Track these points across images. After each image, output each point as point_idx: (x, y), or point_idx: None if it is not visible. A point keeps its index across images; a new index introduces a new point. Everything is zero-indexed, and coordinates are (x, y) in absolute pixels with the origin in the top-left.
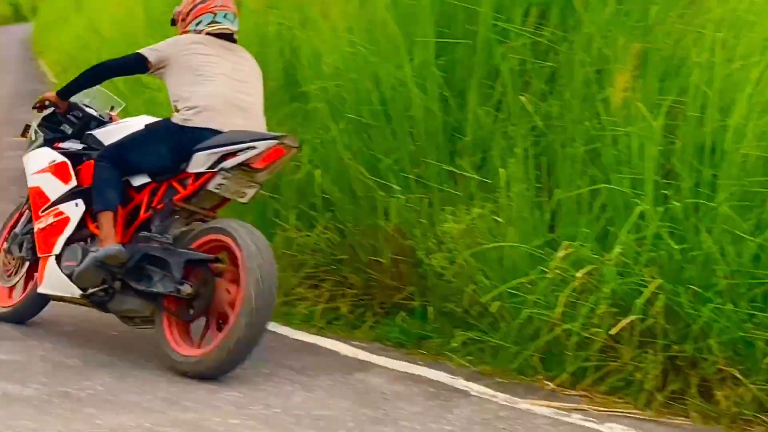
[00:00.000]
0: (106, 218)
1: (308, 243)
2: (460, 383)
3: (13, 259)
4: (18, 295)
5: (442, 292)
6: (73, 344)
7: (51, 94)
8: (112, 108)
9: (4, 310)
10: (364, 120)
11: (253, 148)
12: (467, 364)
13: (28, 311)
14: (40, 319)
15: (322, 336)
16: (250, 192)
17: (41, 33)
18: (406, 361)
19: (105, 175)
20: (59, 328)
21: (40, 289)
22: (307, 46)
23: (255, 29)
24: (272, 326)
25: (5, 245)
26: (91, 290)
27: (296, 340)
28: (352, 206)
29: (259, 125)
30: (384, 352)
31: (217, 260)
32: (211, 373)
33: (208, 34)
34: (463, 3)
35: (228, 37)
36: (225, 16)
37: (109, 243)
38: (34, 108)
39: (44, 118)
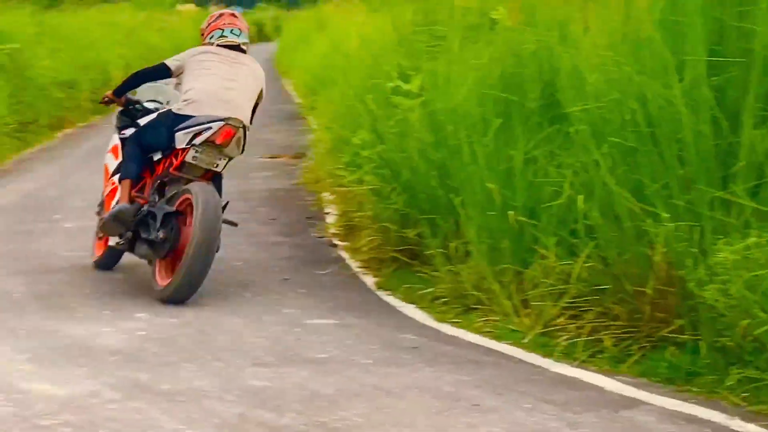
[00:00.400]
0: (124, 185)
1: (569, 271)
2: (736, 424)
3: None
4: None
5: (714, 326)
6: (327, 372)
7: (109, 93)
8: (168, 102)
9: (96, 258)
10: (629, 143)
11: (210, 128)
12: (743, 404)
13: (109, 260)
14: (294, 347)
15: (584, 369)
16: (222, 163)
17: (284, 53)
18: (676, 398)
19: (128, 152)
20: (313, 355)
21: (110, 242)
22: (567, 65)
23: (510, 48)
24: (531, 358)
25: (98, 209)
26: (120, 240)
27: (557, 373)
28: (616, 234)
29: (238, 115)
30: (652, 389)
31: (179, 213)
32: (173, 297)
33: (218, 45)
34: (737, 22)
35: (237, 47)
36: (231, 31)
37: (122, 203)
38: (100, 103)
39: (121, 111)
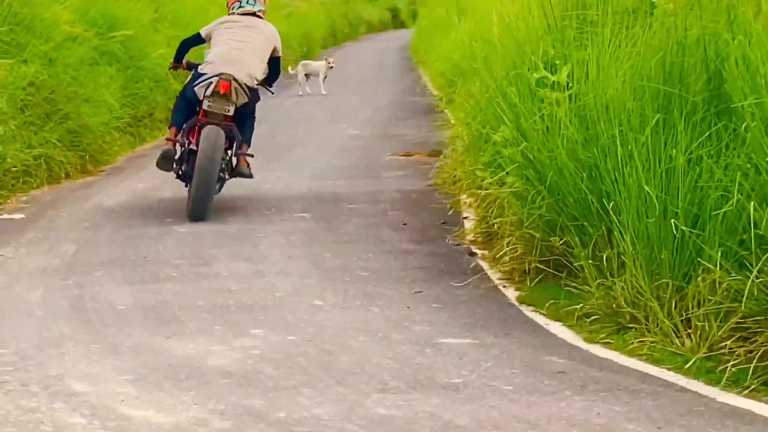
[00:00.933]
0: (171, 131)
1: (738, 288)
2: None
3: None
4: None
5: None
6: (463, 399)
7: (171, 61)
8: None
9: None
10: None
11: (211, 82)
12: None
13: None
14: (425, 370)
15: (755, 400)
16: (231, 108)
17: (420, 40)
18: None
19: (176, 105)
20: (447, 380)
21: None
22: (736, 53)
23: (670, 35)
24: (694, 386)
25: None
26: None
27: (724, 404)
28: None
29: (243, 73)
30: None
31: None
32: (189, 216)
33: (238, 14)
34: None
35: (253, 14)
36: (247, 2)
37: (166, 146)
38: (169, 69)
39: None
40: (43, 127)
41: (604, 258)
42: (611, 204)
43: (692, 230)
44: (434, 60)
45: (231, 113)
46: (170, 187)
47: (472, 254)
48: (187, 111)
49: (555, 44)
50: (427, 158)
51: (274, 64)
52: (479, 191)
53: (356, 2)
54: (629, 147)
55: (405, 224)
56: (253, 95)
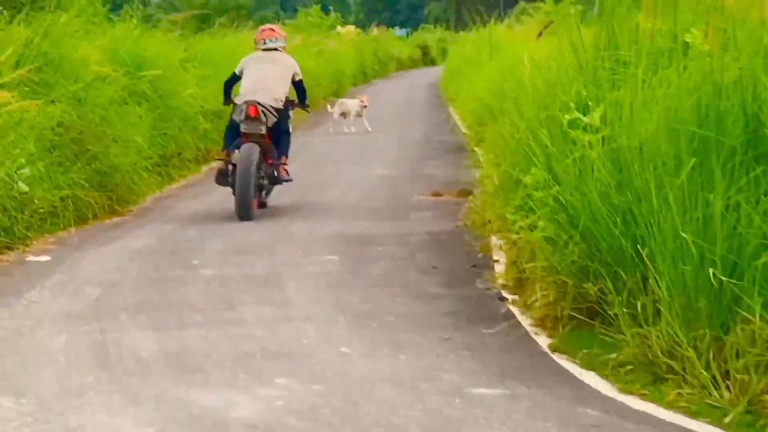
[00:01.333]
0: (224, 152)
1: None
2: None
3: None
4: None
5: None
6: None
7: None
8: None
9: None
10: None
11: (242, 109)
12: None
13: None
14: (455, 422)
15: None
16: (263, 127)
17: (450, 78)
18: None
19: (225, 132)
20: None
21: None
22: None
23: (706, 77)
24: None
25: None
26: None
27: None
28: None
29: (268, 97)
30: None
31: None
32: (237, 214)
33: (261, 50)
34: None
35: (275, 50)
36: (269, 41)
37: (220, 165)
38: (223, 105)
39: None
40: (71, 167)
41: (639, 305)
42: (646, 250)
43: (730, 279)
44: (464, 98)
45: (264, 132)
46: (197, 227)
47: (503, 299)
48: (233, 136)
49: (587, 85)
50: (457, 198)
51: (299, 85)
52: (510, 235)
53: (386, 39)
54: (664, 191)
55: (434, 267)
56: (282, 115)
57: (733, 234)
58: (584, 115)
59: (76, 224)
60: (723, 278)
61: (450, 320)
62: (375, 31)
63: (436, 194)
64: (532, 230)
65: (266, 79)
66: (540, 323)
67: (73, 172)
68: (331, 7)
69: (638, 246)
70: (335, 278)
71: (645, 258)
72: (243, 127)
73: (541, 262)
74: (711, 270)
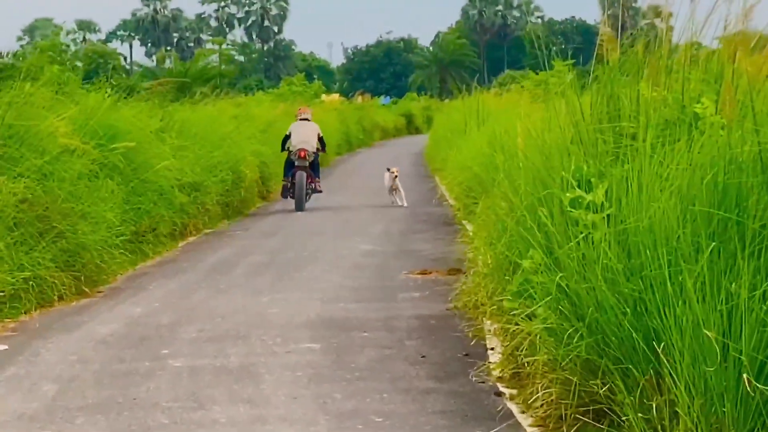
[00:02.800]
0: (286, 179)
1: None
2: None
3: None
4: None
5: None
6: None
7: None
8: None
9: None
10: None
11: (296, 153)
12: None
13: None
14: None
15: None
16: (307, 163)
17: (436, 147)
18: None
19: (285, 166)
20: None
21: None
22: None
23: (722, 151)
24: None
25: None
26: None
27: None
28: None
29: (308, 145)
30: None
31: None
32: (296, 209)
33: (299, 120)
34: None
35: (306, 119)
36: (303, 116)
37: (284, 184)
38: (282, 152)
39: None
40: (36, 246)
41: (654, 407)
42: (661, 345)
43: (759, 383)
44: (451, 168)
45: (307, 165)
46: (169, 312)
47: (499, 394)
48: (290, 167)
49: (587, 159)
50: (446, 277)
51: (321, 139)
52: (508, 325)
53: (370, 108)
54: (681, 279)
55: (423, 357)
56: (315, 156)
57: (762, 329)
58: (586, 192)
59: (39, 307)
60: (752, 380)
61: (442, 420)
62: (359, 99)
63: (424, 272)
64: (531, 319)
65: (306, 136)
66: (541, 423)
67: (38, 251)
68: (315, 75)
69: (652, 340)
70: (316, 370)
71: (660, 354)
72: (297, 163)
73: (543, 355)
74: (739, 371)
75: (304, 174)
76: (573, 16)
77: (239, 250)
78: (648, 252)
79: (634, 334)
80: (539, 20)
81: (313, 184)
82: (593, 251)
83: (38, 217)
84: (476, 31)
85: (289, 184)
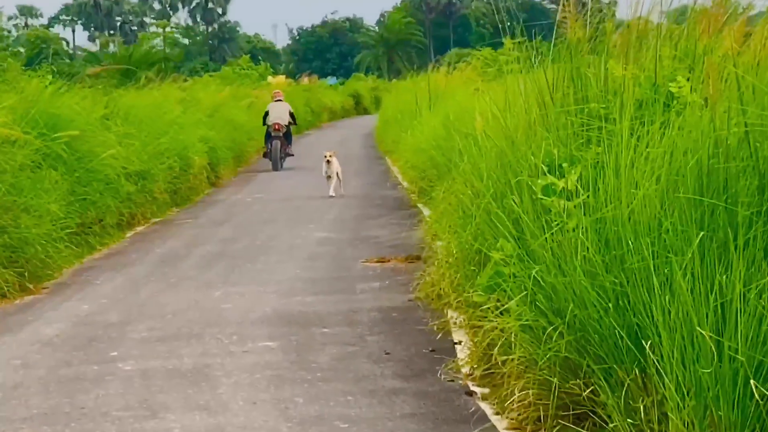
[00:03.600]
0: (265, 145)
1: None
2: None
3: None
4: None
5: None
6: None
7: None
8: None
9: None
10: None
11: (272, 125)
12: None
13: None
14: None
15: None
16: (281, 133)
17: (386, 128)
18: None
19: (265, 136)
20: None
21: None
22: None
23: (708, 133)
24: None
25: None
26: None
27: None
28: None
29: (282, 119)
30: None
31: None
32: (273, 169)
33: (274, 101)
34: None
35: (280, 101)
36: (277, 99)
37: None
38: (263, 125)
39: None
40: None
41: (641, 409)
42: (648, 343)
43: (761, 387)
44: (403, 150)
45: (281, 135)
46: (118, 309)
47: (471, 394)
48: (268, 137)
49: (556, 143)
50: (406, 265)
51: (292, 115)
52: (478, 322)
53: (318, 89)
54: (667, 271)
55: (388, 354)
56: (288, 129)
57: (759, 325)
58: (558, 178)
59: None
60: (754, 383)
61: (412, 425)
62: (306, 80)
63: (382, 260)
64: (503, 314)
65: (279, 113)
66: (519, 426)
67: None
68: (260, 57)
69: (637, 337)
70: (276, 371)
71: (647, 351)
72: (273, 134)
73: (518, 353)
74: (735, 370)
75: (279, 142)
76: None
77: (189, 240)
78: (630, 242)
79: (617, 331)
80: None
81: (286, 150)
82: (569, 242)
83: None
84: (422, 10)
85: (268, 150)
